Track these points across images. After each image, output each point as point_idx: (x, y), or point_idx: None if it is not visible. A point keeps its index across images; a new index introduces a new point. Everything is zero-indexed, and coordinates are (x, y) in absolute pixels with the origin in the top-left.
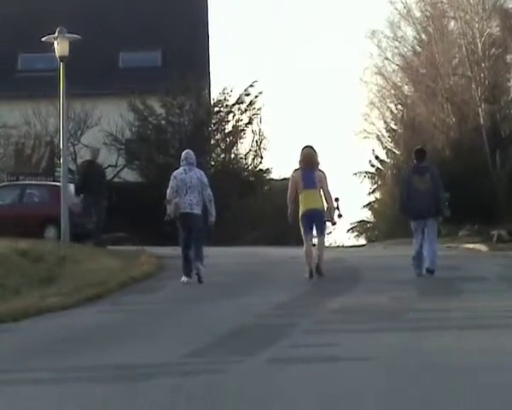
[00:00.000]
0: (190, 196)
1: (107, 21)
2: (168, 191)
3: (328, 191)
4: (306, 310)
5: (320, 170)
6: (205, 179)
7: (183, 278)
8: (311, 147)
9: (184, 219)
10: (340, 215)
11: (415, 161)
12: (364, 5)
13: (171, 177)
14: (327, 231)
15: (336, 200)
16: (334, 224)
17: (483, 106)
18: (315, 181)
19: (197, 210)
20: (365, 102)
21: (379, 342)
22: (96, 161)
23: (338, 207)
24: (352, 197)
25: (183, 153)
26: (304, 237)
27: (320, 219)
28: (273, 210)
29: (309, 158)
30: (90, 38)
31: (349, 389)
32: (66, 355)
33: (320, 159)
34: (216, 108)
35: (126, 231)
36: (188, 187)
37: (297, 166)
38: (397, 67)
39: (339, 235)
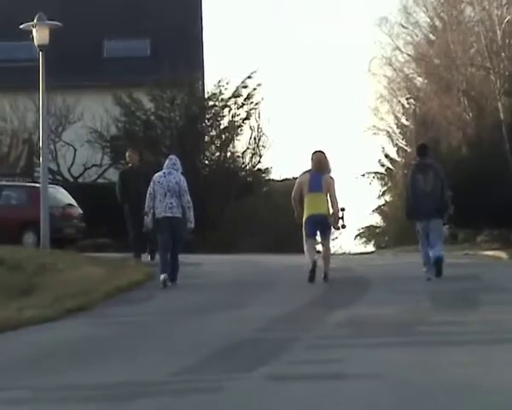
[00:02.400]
0: (171, 199)
1: (90, 7)
2: (147, 198)
3: (335, 197)
4: (308, 323)
5: (329, 176)
6: (184, 185)
7: (162, 276)
8: (322, 152)
9: (165, 222)
10: (343, 226)
11: (417, 158)
12: None
13: (151, 181)
14: (332, 236)
15: (342, 209)
16: (337, 229)
17: (503, 99)
18: (321, 184)
19: (178, 213)
20: (374, 96)
21: (388, 358)
22: (134, 166)
23: (343, 217)
24: (360, 200)
25: (168, 158)
26: (305, 240)
27: (324, 224)
28: (273, 214)
29: (321, 164)
30: (72, 25)
31: (355, 409)
32: (47, 373)
33: (332, 164)
34: (210, 102)
35: (111, 236)
36: (167, 190)
37: (299, 166)
38: (408, 58)
39: (345, 241)
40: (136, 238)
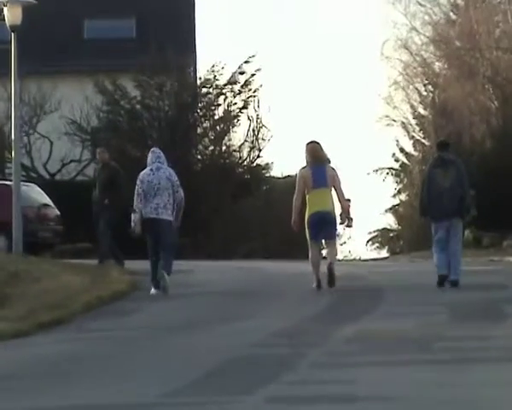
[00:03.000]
0: (158, 199)
1: None
2: (135, 199)
3: (342, 191)
4: (314, 338)
5: (331, 167)
6: (175, 179)
7: (152, 290)
8: (317, 142)
9: (150, 225)
10: (350, 219)
11: (438, 153)
12: None
13: (138, 181)
14: (340, 240)
15: (347, 201)
16: (349, 226)
17: None
18: (326, 179)
19: (165, 215)
20: (387, 83)
21: (404, 378)
22: (108, 163)
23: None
24: (372, 200)
25: (150, 151)
26: (310, 244)
27: (330, 223)
28: (274, 215)
29: (317, 153)
30: (48, 3)
31: None
32: (18, 395)
33: (329, 155)
34: (203, 90)
35: (91, 241)
36: (156, 189)
37: (301, 161)
38: (426, 39)
39: (355, 246)
40: (109, 244)
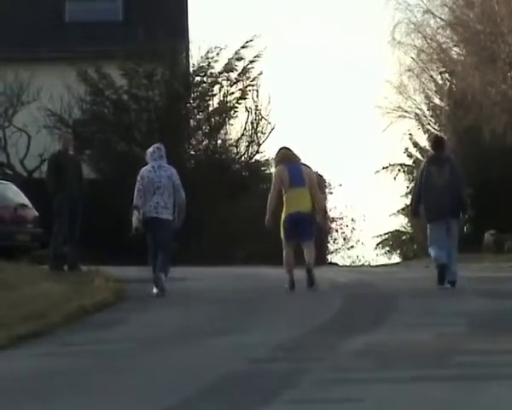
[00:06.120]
0: (158, 197)
1: None
2: (135, 195)
3: (318, 191)
4: (319, 352)
5: (306, 165)
6: (177, 179)
7: (154, 290)
8: (289, 148)
9: (149, 225)
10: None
11: (432, 151)
12: None
13: (138, 177)
14: (347, 245)
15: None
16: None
17: None
18: (303, 177)
19: (165, 215)
20: (399, 70)
21: (418, 396)
22: (70, 151)
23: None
24: (383, 200)
25: (151, 147)
26: (284, 244)
27: (307, 223)
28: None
29: (290, 155)
30: None
31: None
32: None
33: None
34: (197, 78)
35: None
36: (156, 187)
37: (307, 157)
38: (442, 22)
39: (364, 251)
40: (58, 243)
